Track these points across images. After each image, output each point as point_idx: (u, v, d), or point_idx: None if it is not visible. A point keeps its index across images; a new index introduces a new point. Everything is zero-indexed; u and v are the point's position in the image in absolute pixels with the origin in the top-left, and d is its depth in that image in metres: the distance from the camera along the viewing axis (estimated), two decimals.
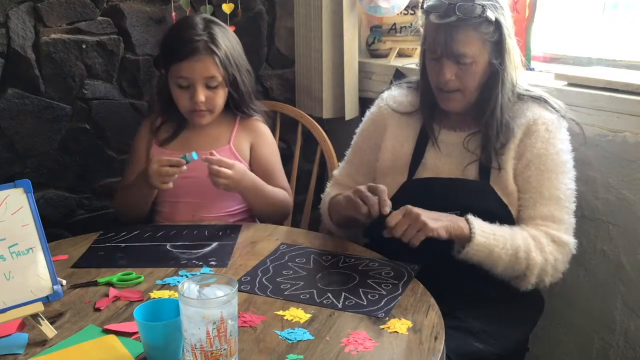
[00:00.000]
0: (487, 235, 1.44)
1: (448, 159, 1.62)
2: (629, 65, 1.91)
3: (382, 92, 1.80)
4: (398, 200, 1.59)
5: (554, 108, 1.59)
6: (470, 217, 1.46)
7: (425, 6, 1.55)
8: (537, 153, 1.54)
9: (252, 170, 1.85)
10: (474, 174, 1.58)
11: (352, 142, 1.82)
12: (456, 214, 1.48)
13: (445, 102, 1.59)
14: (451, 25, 1.48)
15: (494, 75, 1.54)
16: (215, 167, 1.70)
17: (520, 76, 1.60)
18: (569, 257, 1.53)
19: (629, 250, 1.78)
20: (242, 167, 1.78)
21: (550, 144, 1.55)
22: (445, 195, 1.56)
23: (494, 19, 1.48)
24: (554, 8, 2.10)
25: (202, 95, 1.76)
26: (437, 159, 1.63)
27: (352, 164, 1.81)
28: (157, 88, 1.92)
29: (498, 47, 1.52)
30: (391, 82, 2.06)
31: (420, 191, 1.61)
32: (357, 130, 1.81)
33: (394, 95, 1.75)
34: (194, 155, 1.66)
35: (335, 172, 1.86)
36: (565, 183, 1.54)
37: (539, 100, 1.60)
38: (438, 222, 1.42)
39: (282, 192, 1.88)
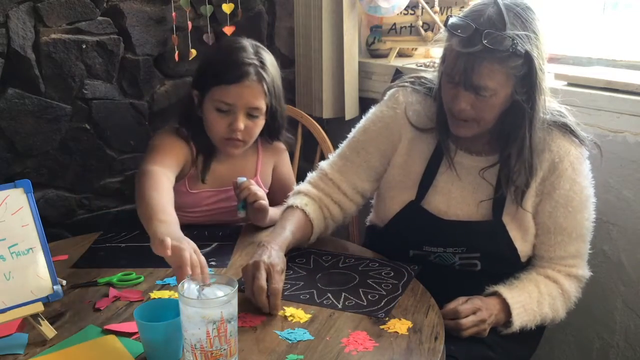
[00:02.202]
0: (521, 317, 1.43)
1: (461, 183, 1.53)
2: (629, 65, 1.91)
3: (392, 87, 1.64)
4: (401, 221, 1.57)
5: (577, 138, 1.49)
6: (511, 304, 1.43)
7: (448, 24, 1.38)
8: (564, 194, 1.47)
9: (271, 185, 1.84)
10: (487, 207, 1.51)
11: (353, 138, 1.65)
12: (491, 295, 1.46)
13: (457, 129, 1.47)
14: (474, 55, 1.33)
15: (519, 110, 1.41)
16: (264, 202, 1.68)
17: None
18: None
19: (629, 250, 1.78)
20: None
21: (577, 184, 1.48)
22: (452, 234, 1.53)
23: (523, 52, 1.33)
24: (554, 8, 2.10)
25: (242, 123, 1.66)
26: (451, 183, 1.54)
27: (352, 162, 1.62)
28: (184, 111, 1.77)
29: (524, 81, 1.37)
30: (396, 72, 2.00)
31: (428, 225, 1.54)
32: (361, 126, 1.64)
33: (411, 103, 1.58)
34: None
35: (325, 165, 1.66)
36: (588, 218, 1.51)
37: (563, 129, 1.48)
38: (491, 325, 1.41)
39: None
